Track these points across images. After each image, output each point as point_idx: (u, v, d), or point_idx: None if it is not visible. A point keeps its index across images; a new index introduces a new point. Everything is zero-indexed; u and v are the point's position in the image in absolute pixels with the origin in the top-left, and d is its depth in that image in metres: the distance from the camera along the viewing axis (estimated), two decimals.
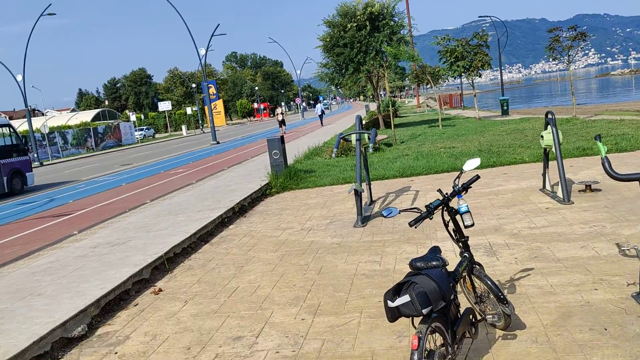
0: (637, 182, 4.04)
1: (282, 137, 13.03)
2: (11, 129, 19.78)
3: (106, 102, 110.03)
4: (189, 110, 72.36)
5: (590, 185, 8.07)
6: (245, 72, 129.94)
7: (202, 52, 37.77)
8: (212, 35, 39.12)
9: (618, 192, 7.76)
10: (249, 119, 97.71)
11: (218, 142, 35.39)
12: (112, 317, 5.39)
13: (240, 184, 12.48)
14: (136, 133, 57.50)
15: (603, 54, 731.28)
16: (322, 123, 42.16)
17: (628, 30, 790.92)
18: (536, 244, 5.92)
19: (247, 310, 5.04)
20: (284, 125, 38.58)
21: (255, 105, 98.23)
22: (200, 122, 69.27)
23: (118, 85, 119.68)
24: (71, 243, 8.55)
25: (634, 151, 11.20)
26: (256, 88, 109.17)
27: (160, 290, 6.03)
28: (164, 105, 72.74)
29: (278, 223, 8.72)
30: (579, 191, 8.12)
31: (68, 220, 11.48)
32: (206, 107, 46.25)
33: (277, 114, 38.58)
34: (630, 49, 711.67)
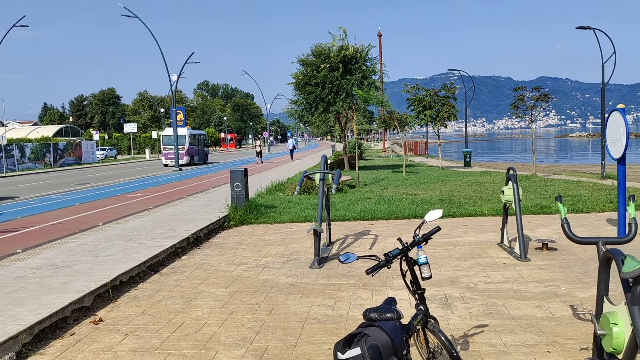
0: (594, 246, 4.04)
1: (245, 169, 12.86)
2: (204, 136, 46.00)
3: (71, 119, 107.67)
4: (154, 134, 71.23)
5: (547, 244, 8.14)
6: (215, 101, 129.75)
7: (174, 78, 37.56)
8: (186, 62, 39.04)
9: (573, 253, 7.84)
10: (214, 148, 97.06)
11: (181, 169, 34.88)
12: (45, 347, 5.04)
13: (198, 214, 12.20)
14: (97, 153, 56.16)
15: (563, 116, 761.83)
16: (292, 157, 42.92)
17: (587, 96, 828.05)
18: (492, 299, 5.87)
19: (190, 349, 4.79)
20: (261, 156, 40.11)
21: (222, 135, 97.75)
22: None
23: (85, 102, 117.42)
24: (12, 262, 8.10)
25: (589, 213, 11.46)
26: (225, 118, 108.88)
27: (100, 320, 5.71)
28: (130, 127, 71.50)
29: (233, 258, 8.48)
30: (536, 249, 8.19)
31: (13, 237, 10.94)
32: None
33: (256, 145, 40.99)
34: (589, 114, 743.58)
